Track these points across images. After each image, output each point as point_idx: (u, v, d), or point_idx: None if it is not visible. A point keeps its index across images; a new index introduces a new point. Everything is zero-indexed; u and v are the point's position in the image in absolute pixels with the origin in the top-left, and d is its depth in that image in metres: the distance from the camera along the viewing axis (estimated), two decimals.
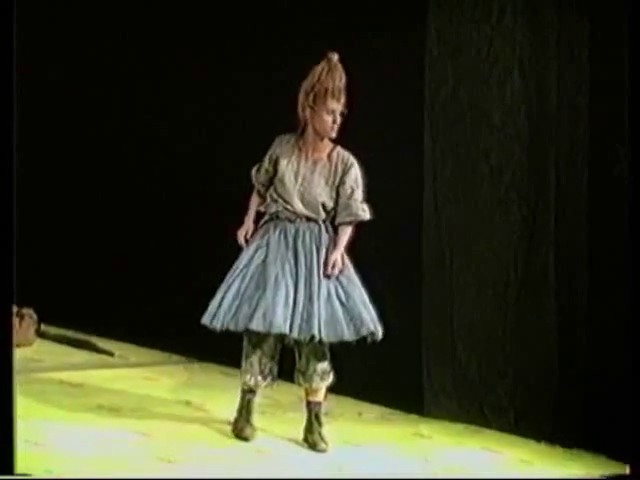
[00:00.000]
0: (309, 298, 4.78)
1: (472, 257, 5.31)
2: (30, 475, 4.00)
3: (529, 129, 5.15)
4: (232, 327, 4.78)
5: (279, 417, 5.33)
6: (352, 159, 4.88)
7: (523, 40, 5.15)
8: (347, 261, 4.88)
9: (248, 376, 4.90)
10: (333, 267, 4.82)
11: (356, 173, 4.87)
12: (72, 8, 6.94)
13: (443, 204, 5.35)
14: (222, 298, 4.80)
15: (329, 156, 4.87)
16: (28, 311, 6.65)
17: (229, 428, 5.01)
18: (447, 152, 5.35)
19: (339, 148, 4.89)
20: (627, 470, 4.30)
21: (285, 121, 5.40)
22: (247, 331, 4.80)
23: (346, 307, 4.81)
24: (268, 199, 4.90)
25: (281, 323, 4.71)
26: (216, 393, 5.23)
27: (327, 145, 4.88)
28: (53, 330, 6.78)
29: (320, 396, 4.96)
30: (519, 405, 5.18)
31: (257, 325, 4.72)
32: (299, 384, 4.96)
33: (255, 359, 4.88)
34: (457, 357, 5.33)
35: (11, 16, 3.75)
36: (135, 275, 6.41)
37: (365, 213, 4.89)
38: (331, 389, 5.70)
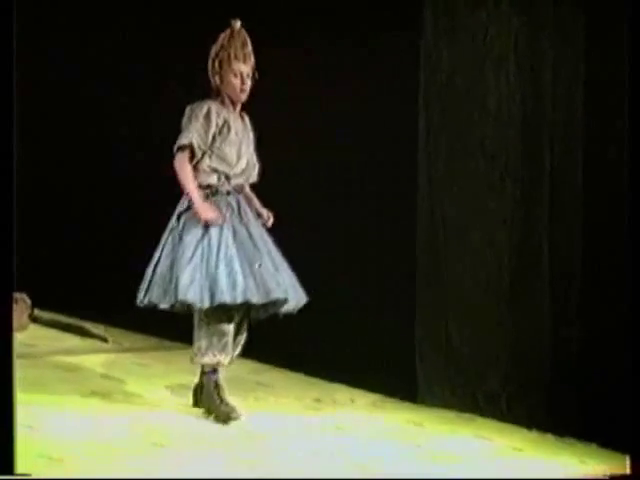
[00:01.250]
0: (276, 269, 4.89)
1: (466, 243, 5.30)
2: (30, 475, 4.00)
3: (524, 115, 5.13)
4: (254, 299, 4.78)
5: (273, 402, 5.34)
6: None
7: (519, 26, 5.13)
8: None
9: (221, 356, 4.88)
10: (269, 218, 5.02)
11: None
12: (71, 8, 6.95)
13: (437, 190, 5.34)
14: (215, 277, 4.73)
15: (243, 120, 5.01)
16: (22, 296, 6.66)
17: None
18: (442, 138, 5.33)
19: (244, 114, 5.03)
20: (626, 462, 4.28)
21: (289, 119, 5.41)
22: (274, 302, 4.83)
23: (289, 273, 4.96)
24: (213, 157, 4.87)
25: (289, 293, 4.86)
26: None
27: (238, 110, 4.99)
28: (46, 315, 6.79)
29: None
30: (511, 393, 5.17)
31: (279, 293, 4.80)
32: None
33: (221, 335, 4.86)
34: (450, 345, 5.33)
35: (11, 16, 3.73)
36: (129, 261, 6.39)
37: None
38: (324, 376, 5.73)
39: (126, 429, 4.74)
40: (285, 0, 5.93)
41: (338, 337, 5.68)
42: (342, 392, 5.57)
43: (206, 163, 4.89)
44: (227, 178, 4.93)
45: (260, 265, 4.82)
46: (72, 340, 6.46)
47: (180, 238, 4.85)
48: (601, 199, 4.90)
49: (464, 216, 5.30)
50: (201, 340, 4.89)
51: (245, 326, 5.05)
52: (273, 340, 5.46)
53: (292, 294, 4.91)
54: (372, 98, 5.60)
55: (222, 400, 4.91)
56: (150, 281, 4.87)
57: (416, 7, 5.34)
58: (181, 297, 4.75)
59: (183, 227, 4.87)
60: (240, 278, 4.76)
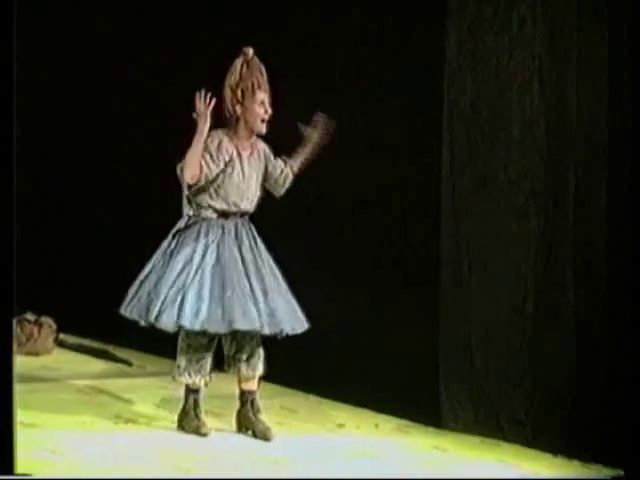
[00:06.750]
0: (265, 293, 4.92)
1: (490, 269, 5.28)
2: (30, 475, 4.02)
3: (548, 141, 5.13)
4: (213, 329, 4.85)
5: (296, 427, 5.33)
6: (262, 142, 5.07)
7: (542, 51, 5.13)
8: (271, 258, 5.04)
9: (197, 377, 4.98)
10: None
11: (269, 150, 5.10)
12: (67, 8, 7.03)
13: (461, 216, 5.33)
14: (182, 300, 4.82)
15: (254, 148, 5.03)
16: (47, 320, 6.70)
17: (247, 438, 5.05)
18: (466, 164, 5.33)
19: (255, 138, 5.04)
20: None
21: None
22: (234, 332, 4.87)
23: (287, 300, 4.98)
24: (213, 195, 4.93)
25: (257, 323, 4.86)
26: (235, 403, 5.22)
27: (252, 138, 5.02)
28: (71, 339, 6.82)
29: (255, 384, 5.10)
30: (536, 418, 5.14)
31: (242, 325, 4.83)
32: (240, 374, 5.05)
33: (199, 357, 4.97)
34: (474, 369, 5.31)
35: (11, 16, 3.75)
36: None
37: None
38: (348, 401, 5.71)
39: (150, 453, 4.74)
40: (314, 20, 5.95)
41: (362, 362, 5.67)
42: (366, 417, 5.55)
43: (206, 200, 4.96)
44: (224, 213, 4.97)
45: (231, 293, 4.86)
46: (96, 364, 6.48)
47: (170, 257, 4.93)
48: (626, 224, 4.87)
49: (488, 241, 5.28)
50: (181, 360, 5.01)
51: (256, 349, 5.05)
52: (296, 364, 5.46)
53: (274, 321, 4.90)
54: (395, 122, 5.60)
55: (197, 416, 5.03)
56: (135, 294, 4.96)
57: (440, 32, 5.35)
58: (153, 319, 4.85)
59: (175, 246, 4.95)
60: (204, 307, 4.83)
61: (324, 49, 5.91)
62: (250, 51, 4.94)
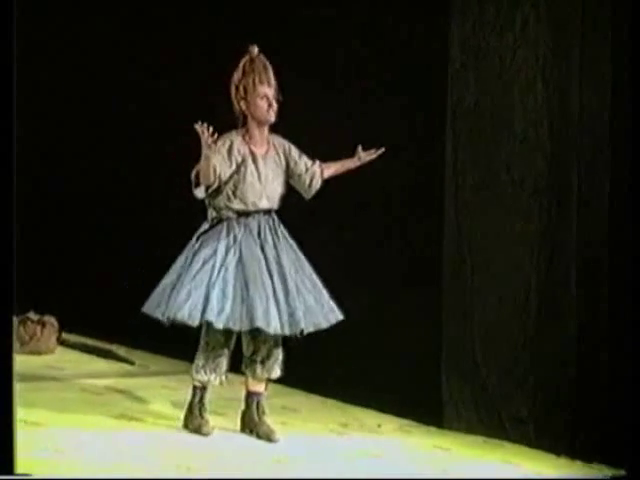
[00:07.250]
0: (286, 293, 4.94)
1: (492, 269, 5.29)
2: (30, 475, 4.02)
3: (551, 139, 5.14)
4: (236, 327, 4.87)
5: (299, 427, 5.33)
6: (283, 139, 5.09)
7: (546, 50, 5.14)
8: (300, 253, 5.04)
9: (212, 375, 5.01)
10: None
11: (293, 147, 5.10)
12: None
13: (464, 216, 5.34)
14: (207, 297, 4.84)
15: (270, 146, 5.05)
16: (50, 319, 6.70)
17: (250, 437, 5.05)
18: (469, 162, 5.34)
19: (273, 135, 5.08)
20: None
21: (314, 137, 5.41)
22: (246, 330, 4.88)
23: (315, 296, 4.99)
24: (231, 196, 4.95)
25: (276, 322, 4.87)
26: (237, 403, 5.22)
27: (266, 135, 5.04)
28: (74, 338, 6.83)
29: (263, 387, 5.14)
30: (538, 418, 5.15)
31: (263, 323, 4.84)
32: (255, 375, 5.07)
33: (215, 356, 4.99)
34: (477, 369, 5.31)
35: (11, 16, 3.75)
36: (156, 285, 6.41)
37: None
38: (351, 401, 5.71)
39: (153, 452, 4.74)
40: (314, 20, 5.96)
41: (364, 361, 5.67)
42: (369, 417, 5.56)
43: (224, 202, 4.97)
44: (244, 213, 4.98)
45: (254, 291, 4.87)
46: (99, 363, 6.48)
47: (193, 257, 4.96)
48: (628, 223, 4.88)
49: (491, 240, 5.29)
50: (200, 357, 5.04)
51: (274, 350, 5.06)
52: (299, 363, 5.45)
53: (294, 321, 4.90)
54: (398, 121, 5.60)
55: (201, 415, 5.06)
56: (157, 294, 4.99)
57: (443, 30, 5.36)
58: (172, 313, 4.87)
59: (199, 247, 4.97)
60: (229, 305, 4.86)
61: (324, 49, 5.91)
62: (255, 49, 4.98)
